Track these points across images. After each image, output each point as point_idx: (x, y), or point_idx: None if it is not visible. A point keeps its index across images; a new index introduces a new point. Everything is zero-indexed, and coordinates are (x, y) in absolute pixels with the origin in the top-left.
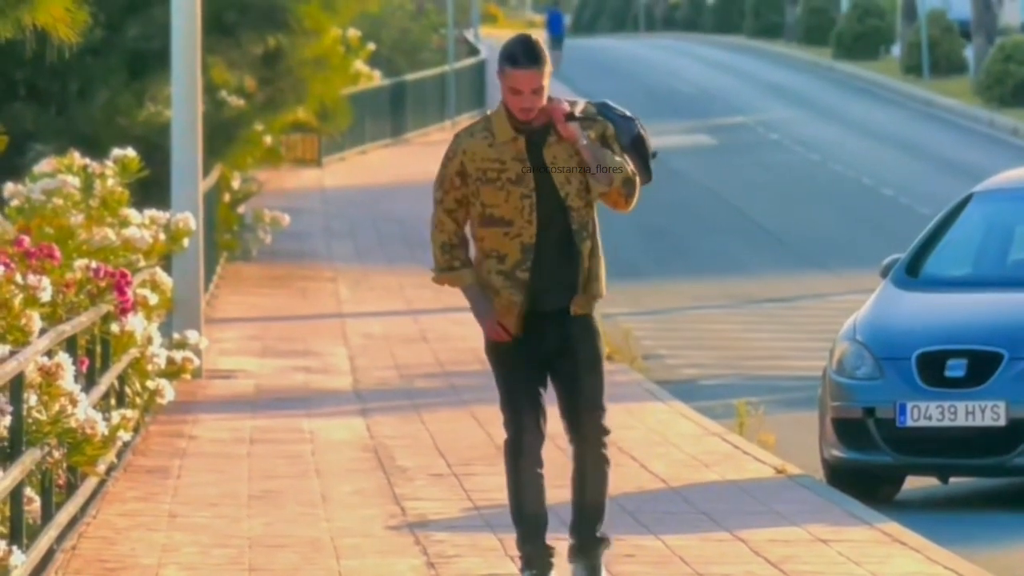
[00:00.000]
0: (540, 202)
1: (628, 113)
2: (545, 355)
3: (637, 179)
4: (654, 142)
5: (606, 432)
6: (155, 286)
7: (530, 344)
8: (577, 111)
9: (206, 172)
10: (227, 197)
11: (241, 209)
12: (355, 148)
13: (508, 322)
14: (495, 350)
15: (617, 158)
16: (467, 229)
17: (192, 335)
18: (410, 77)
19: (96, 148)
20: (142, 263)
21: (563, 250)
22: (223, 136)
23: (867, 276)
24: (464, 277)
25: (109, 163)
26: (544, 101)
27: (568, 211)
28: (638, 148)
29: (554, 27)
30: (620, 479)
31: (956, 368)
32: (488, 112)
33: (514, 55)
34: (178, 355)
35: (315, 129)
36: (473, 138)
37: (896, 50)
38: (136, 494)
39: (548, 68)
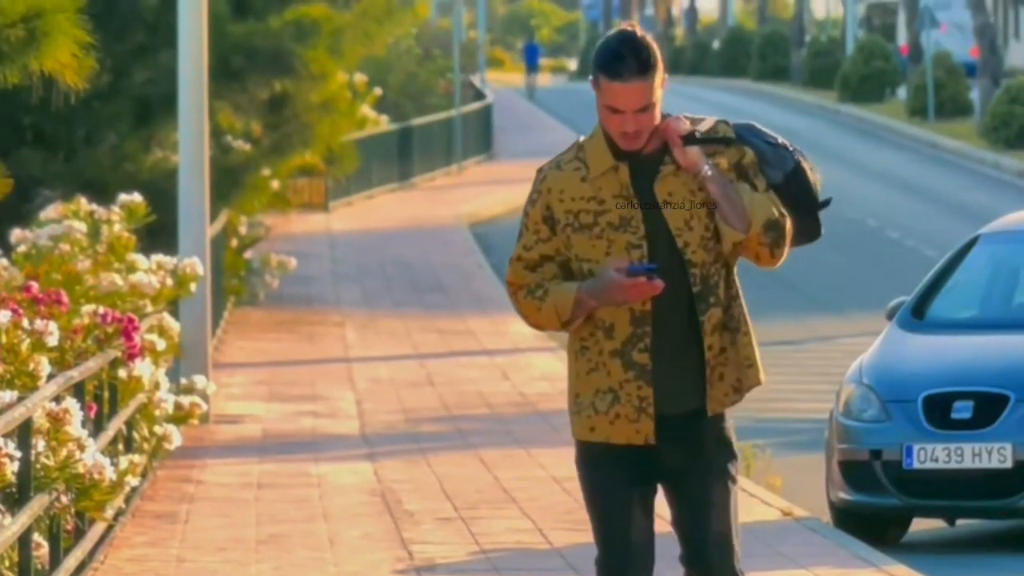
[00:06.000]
0: (654, 254)
1: (781, 139)
2: (661, 473)
3: (787, 223)
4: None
5: None
6: (162, 331)
7: (642, 461)
8: (701, 130)
9: (213, 217)
10: (234, 242)
11: (248, 254)
12: (362, 193)
13: (625, 433)
14: (590, 467)
15: (757, 194)
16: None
17: (200, 380)
18: (417, 122)
19: (103, 193)
20: (149, 308)
21: (691, 323)
22: (230, 181)
23: (873, 318)
24: (565, 293)
25: (116, 208)
26: (656, 120)
27: (687, 268)
28: (796, 189)
29: (530, 59)
30: None
31: (962, 410)
32: (580, 139)
33: (613, 61)
34: (186, 400)
35: (322, 174)
36: (561, 171)
37: (902, 92)
38: (144, 539)
39: (661, 75)
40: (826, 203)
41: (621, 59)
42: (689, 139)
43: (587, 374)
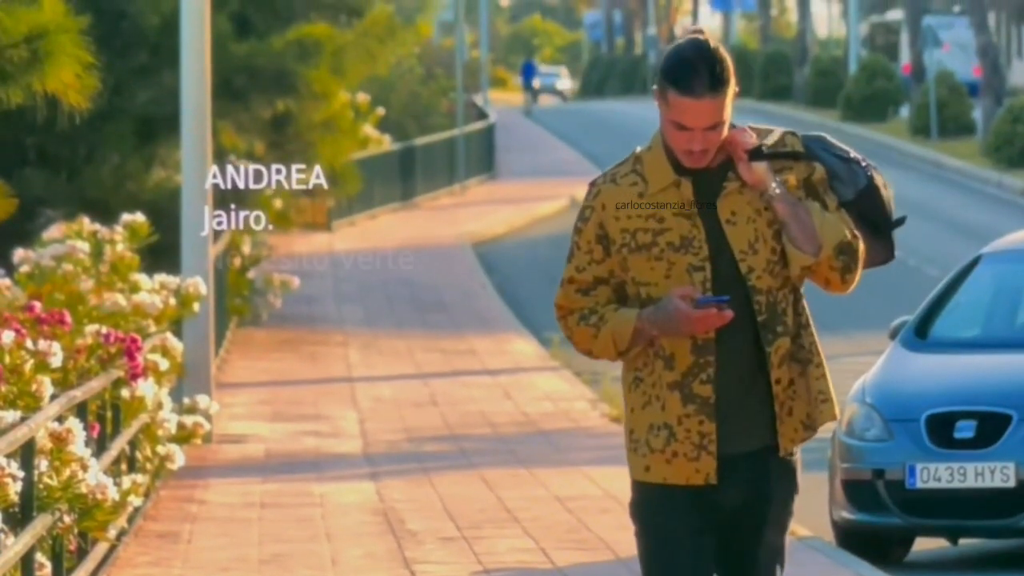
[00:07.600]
0: (717, 277)
1: (853, 153)
2: (718, 515)
3: (859, 245)
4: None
5: None
6: (165, 351)
7: (702, 503)
8: (768, 143)
9: (216, 237)
10: (237, 262)
11: (251, 274)
12: (365, 212)
13: (684, 473)
14: (647, 515)
15: (828, 214)
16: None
17: (202, 400)
18: (419, 141)
19: (106, 213)
20: (152, 328)
21: (756, 352)
22: (233, 200)
23: (876, 338)
24: (623, 321)
25: (119, 228)
26: (722, 137)
27: (751, 293)
28: (868, 207)
29: (527, 76)
30: (629, 545)
31: (965, 430)
32: (636, 149)
33: (685, 74)
34: (188, 420)
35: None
36: (617, 185)
37: (904, 111)
38: (147, 559)
39: (732, 91)
40: (900, 222)
41: (693, 72)
42: (755, 154)
43: (642, 408)
